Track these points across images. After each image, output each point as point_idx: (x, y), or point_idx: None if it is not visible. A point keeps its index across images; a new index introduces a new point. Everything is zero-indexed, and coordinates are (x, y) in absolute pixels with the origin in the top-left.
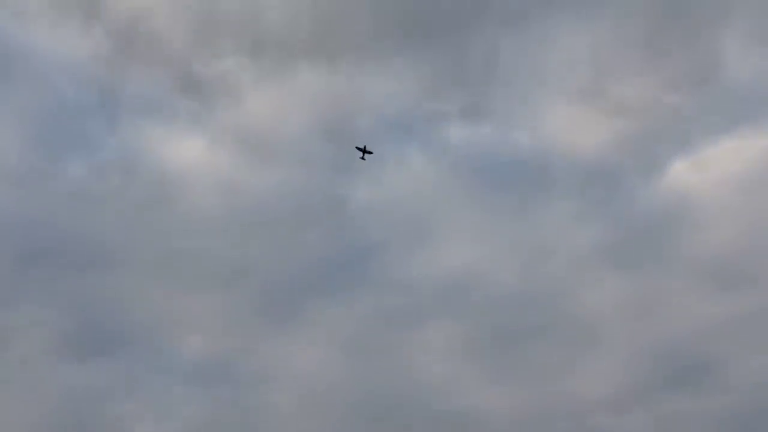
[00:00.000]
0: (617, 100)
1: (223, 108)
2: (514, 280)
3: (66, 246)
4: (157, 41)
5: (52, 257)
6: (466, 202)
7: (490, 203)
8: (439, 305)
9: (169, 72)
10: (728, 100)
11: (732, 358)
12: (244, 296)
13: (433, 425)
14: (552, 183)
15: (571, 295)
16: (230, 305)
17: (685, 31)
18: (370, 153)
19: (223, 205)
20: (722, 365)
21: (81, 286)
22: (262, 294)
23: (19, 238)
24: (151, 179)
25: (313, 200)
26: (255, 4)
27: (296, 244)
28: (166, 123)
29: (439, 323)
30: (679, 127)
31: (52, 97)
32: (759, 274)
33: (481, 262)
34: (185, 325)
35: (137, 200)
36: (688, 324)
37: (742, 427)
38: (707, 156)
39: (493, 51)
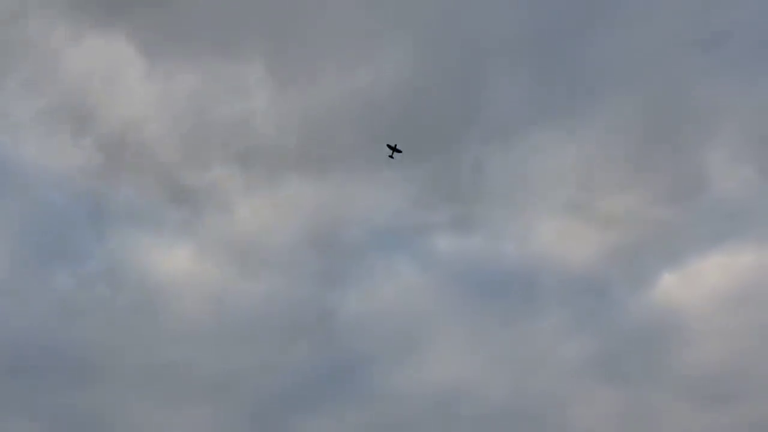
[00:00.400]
0: (605, 212)
1: (211, 217)
2: (504, 393)
3: (51, 357)
4: (147, 151)
5: (37, 369)
6: (455, 313)
7: (479, 315)
8: (428, 419)
9: (158, 182)
10: (716, 215)
11: None
12: (231, 409)
13: None
14: (541, 295)
15: (560, 409)
16: (216, 418)
17: (672, 145)
18: (399, 152)
19: (210, 316)
20: None
21: (66, 398)
22: (249, 407)
23: (3, 349)
24: (138, 289)
25: (301, 311)
26: (245, 115)
27: (284, 356)
28: (154, 233)
29: None
30: (667, 241)
31: (39, 208)
32: (747, 390)
33: (470, 374)
34: None
35: (124, 310)
36: None
37: None
38: (696, 270)
39: (481, 163)
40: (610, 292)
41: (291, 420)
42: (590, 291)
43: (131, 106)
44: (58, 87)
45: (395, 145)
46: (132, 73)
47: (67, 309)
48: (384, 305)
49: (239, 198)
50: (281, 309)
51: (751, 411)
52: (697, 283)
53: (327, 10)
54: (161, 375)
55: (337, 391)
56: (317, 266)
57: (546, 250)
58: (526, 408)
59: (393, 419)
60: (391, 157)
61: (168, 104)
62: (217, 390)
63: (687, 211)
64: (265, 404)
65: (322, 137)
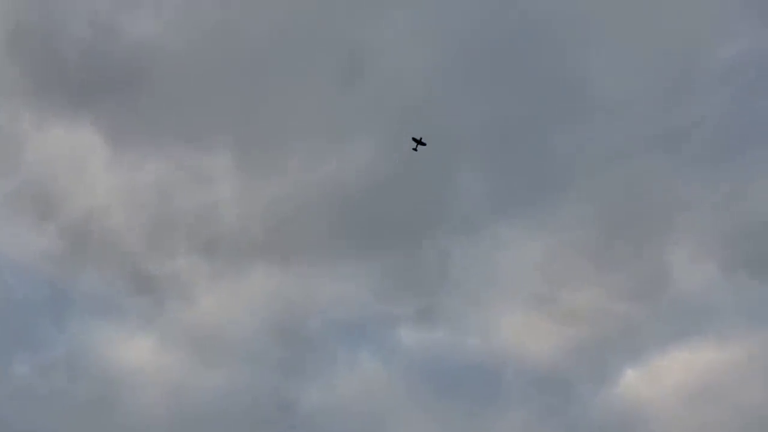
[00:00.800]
0: (569, 307)
1: (174, 307)
2: None
3: None
4: (110, 240)
5: None
6: (418, 407)
7: (442, 409)
8: None
9: (121, 270)
10: (678, 312)
11: None
12: None
13: None
14: (504, 389)
15: None
16: None
17: (634, 241)
18: (424, 144)
19: (171, 406)
20: None
21: None
22: None
23: None
24: (98, 379)
25: (262, 402)
26: (210, 204)
27: None
28: (116, 321)
29: None
30: (630, 337)
31: (0, 294)
32: None
33: None
34: None
35: (83, 399)
36: None
37: None
38: (658, 366)
39: (445, 255)
40: (573, 388)
41: None
42: (554, 386)
43: (95, 194)
44: (22, 174)
45: (420, 138)
46: (97, 161)
47: (25, 398)
48: (346, 398)
49: (202, 288)
50: (242, 400)
51: None
52: (659, 379)
53: (295, 101)
54: None
55: None
56: (280, 357)
57: (510, 344)
58: None
59: None
60: (414, 150)
61: (133, 193)
62: None
63: (650, 308)
64: None
65: (287, 228)
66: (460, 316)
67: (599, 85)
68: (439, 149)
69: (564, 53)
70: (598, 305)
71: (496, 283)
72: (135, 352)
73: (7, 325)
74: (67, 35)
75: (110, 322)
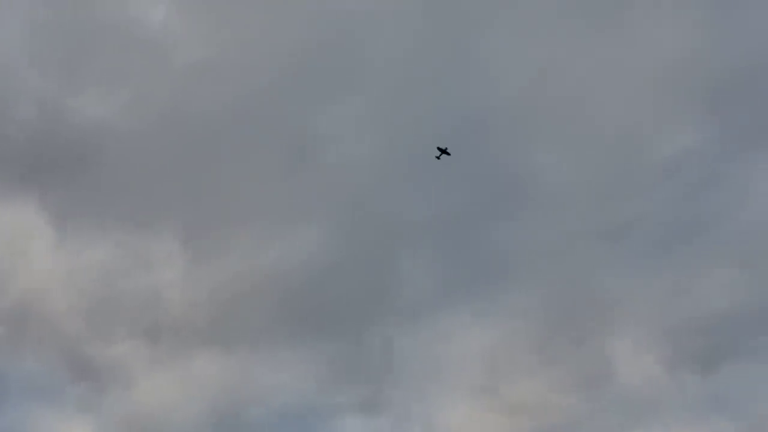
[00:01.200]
0: (512, 399)
1: (114, 393)
2: None
3: None
4: (51, 324)
5: None
6: None
7: None
8: None
9: (60, 355)
10: (620, 404)
11: None
12: None
13: None
14: None
15: None
16: None
17: (577, 334)
18: (448, 154)
19: None
20: None
21: None
22: None
23: None
24: None
25: None
26: (154, 289)
27: None
28: (54, 407)
29: None
30: (573, 430)
31: None
32: None
33: None
34: None
35: None
36: None
37: None
38: None
39: (389, 344)
40: None
41: None
42: None
43: (37, 276)
44: None
45: (446, 148)
46: (40, 242)
47: None
48: None
49: (143, 373)
50: None
51: None
52: None
53: (241, 187)
54: None
55: None
56: None
57: None
58: None
59: None
60: (438, 158)
61: (76, 275)
62: None
63: (593, 401)
64: None
65: (231, 313)
66: (403, 406)
67: (543, 179)
68: (384, 237)
69: (509, 147)
70: (541, 397)
71: (440, 373)
72: None
73: None
74: (14, 116)
75: (48, 407)
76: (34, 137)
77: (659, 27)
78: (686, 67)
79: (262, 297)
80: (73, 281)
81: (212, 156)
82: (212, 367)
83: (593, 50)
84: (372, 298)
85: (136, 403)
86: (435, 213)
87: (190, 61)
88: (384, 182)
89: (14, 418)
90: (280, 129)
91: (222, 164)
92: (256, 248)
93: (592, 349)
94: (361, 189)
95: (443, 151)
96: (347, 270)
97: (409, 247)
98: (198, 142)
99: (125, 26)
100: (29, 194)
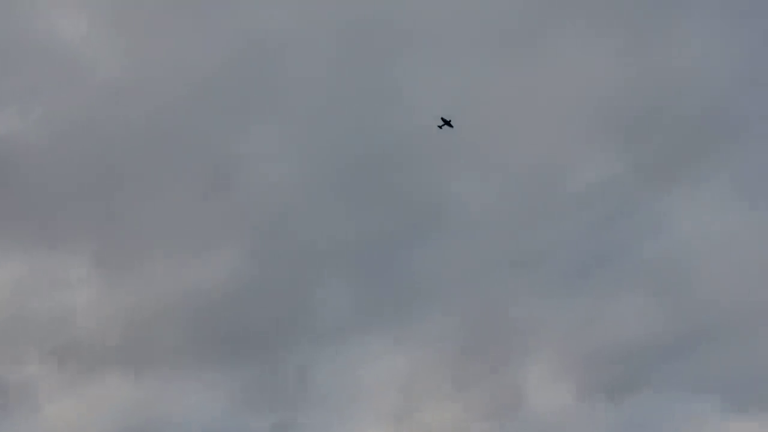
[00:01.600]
0: (427, 424)
1: (22, 416)
2: None
3: None
4: None
5: None
6: None
7: None
8: None
9: None
10: (532, 431)
11: None
12: None
13: None
14: None
15: None
16: None
17: (491, 360)
18: (451, 126)
19: None
20: None
21: None
22: None
23: None
24: None
25: None
26: (66, 309)
27: None
28: None
29: None
30: None
31: None
32: None
33: None
34: None
35: None
36: None
37: None
38: None
39: (306, 367)
40: None
41: None
42: None
43: None
44: None
45: (450, 120)
46: None
47: None
48: None
49: (52, 395)
50: None
51: None
52: None
53: (158, 209)
54: None
55: None
56: None
57: None
58: None
59: None
60: (440, 127)
61: None
62: None
63: (506, 427)
64: None
65: (144, 335)
66: (320, 429)
67: (461, 206)
68: (301, 261)
69: (428, 173)
70: (456, 423)
71: (355, 399)
72: None
73: None
74: None
75: None
76: None
77: (576, 60)
78: (602, 101)
79: (176, 319)
80: None
81: (128, 175)
82: (123, 390)
83: (511, 79)
84: (288, 322)
85: (44, 425)
86: (353, 237)
87: (108, 78)
88: (302, 205)
89: None
90: (197, 149)
91: (138, 184)
92: (170, 270)
93: (506, 376)
94: (278, 211)
95: (447, 123)
96: (263, 293)
97: (326, 271)
98: (114, 161)
99: (44, 41)
100: None
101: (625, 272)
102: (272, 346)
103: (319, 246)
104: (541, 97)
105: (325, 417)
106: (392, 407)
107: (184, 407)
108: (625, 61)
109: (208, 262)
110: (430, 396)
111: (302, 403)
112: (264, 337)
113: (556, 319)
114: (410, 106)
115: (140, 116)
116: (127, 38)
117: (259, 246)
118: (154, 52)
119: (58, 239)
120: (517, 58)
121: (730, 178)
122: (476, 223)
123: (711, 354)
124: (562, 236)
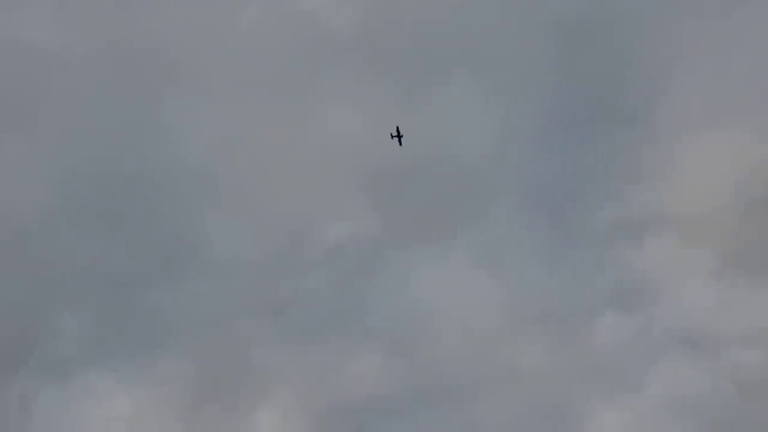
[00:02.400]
0: None
1: None
2: None
3: None
4: None
5: None
6: None
7: None
8: None
9: None
10: None
11: None
12: None
13: None
14: None
15: None
16: None
17: (227, 405)
18: (400, 138)
19: None
20: None
21: None
22: None
23: None
24: None
25: None
26: None
27: None
28: None
29: None
30: None
31: None
32: None
33: None
34: None
35: None
36: None
37: None
38: None
39: (29, 399)
40: None
41: None
42: None
43: None
44: None
45: (401, 135)
46: None
47: None
48: None
49: None
50: None
51: None
52: None
53: None
54: None
55: None
56: None
57: None
58: None
59: None
60: (392, 137)
61: None
62: None
63: None
64: None
65: None
66: None
67: (212, 248)
68: (39, 288)
69: (183, 210)
70: None
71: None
72: None
73: None
74: None
75: None
76: None
77: (341, 114)
78: (362, 158)
79: None
80: None
81: None
82: None
83: (278, 126)
84: (14, 350)
85: None
86: (98, 268)
87: None
88: (45, 230)
89: None
90: None
91: None
92: None
93: (243, 421)
94: (18, 234)
95: (398, 135)
96: None
97: (65, 301)
98: None
99: None
100: None
101: (367, 327)
102: None
103: (57, 274)
104: (306, 147)
105: None
106: None
107: None
108: (388, 120)
109: None
110: None
111: None
112: None
113: (296, 368)
114: (173, 139)
115: None
116: None
117: None
118: None
119: None
120: (287, 107)
121: (473, 245)
122: (226, 266)
123: (433, 416)
124: (310, 286)
